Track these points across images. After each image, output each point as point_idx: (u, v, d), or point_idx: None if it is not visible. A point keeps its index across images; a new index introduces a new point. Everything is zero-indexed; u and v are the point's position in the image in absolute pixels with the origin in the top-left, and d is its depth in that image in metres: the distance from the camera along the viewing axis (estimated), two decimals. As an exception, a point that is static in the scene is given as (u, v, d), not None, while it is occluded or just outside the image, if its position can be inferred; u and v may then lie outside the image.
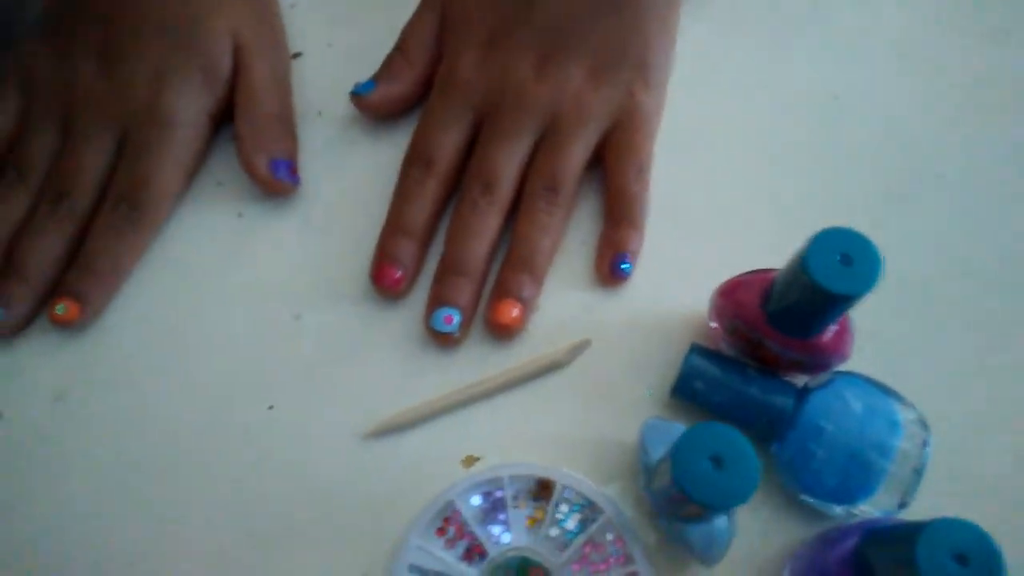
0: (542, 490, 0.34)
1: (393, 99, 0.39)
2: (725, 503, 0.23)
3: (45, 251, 0.37)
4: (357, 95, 0.39)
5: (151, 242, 0.39)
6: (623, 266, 0.37)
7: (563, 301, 0.37)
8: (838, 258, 0.26)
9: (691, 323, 0.36)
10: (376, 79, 0.39)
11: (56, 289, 0.37)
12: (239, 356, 0.37)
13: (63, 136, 0.38)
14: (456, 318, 0.35)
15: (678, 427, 0.31)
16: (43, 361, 0.37)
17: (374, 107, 0.39)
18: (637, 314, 0.37)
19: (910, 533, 0.24)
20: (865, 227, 0.27)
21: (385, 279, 0.36)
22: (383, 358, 0.37)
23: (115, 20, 0.38)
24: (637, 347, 0.36)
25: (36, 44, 0.40)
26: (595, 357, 0.37)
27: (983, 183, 0.39)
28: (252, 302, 0.38)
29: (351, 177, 0.40)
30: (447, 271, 0.36)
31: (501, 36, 0.38)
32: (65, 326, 0.37)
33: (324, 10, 0.44)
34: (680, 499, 0.25)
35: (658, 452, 0.30)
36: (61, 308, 0.36)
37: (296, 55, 0.43)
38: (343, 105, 0.41)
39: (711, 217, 0.38)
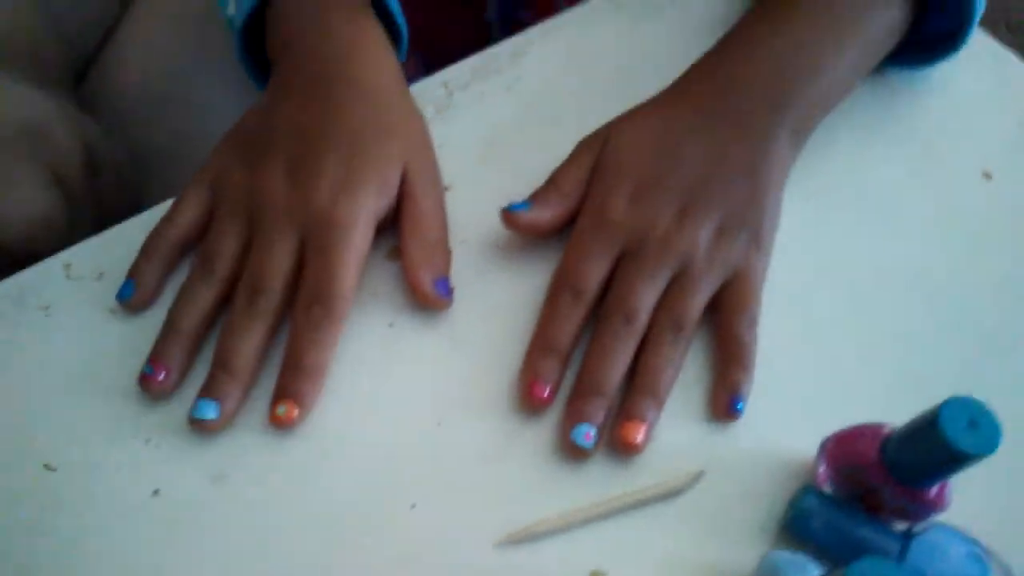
0: (666, 608, 0.37)
1: (542, 223, 0.44)
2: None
3: (247, 347, 0.41)
4: (511, 212, 0.44)
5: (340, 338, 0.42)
6: (738, 406, 0.41)
7: (678, 432, 0.42)
8: (965, 422, 0.31)
9: (795, 464, 0.41)
10: (530, 202, 0.44)
11: (275, 390, 0.41)
12: (384, 454, 0.40)
13: (248, 237, 0.43)
14: (594, 435, 0.39)
15: (806, 560, 0.35)
16: (204, 443, 0.40)
17: (523, 226, 0.44)
18: (745, 451, 0.41)
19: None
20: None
21: (535, 395, 0.40)
22: (515, 467, 0.40)
23: (304, 140, 0.44)
24: (745, 481, 0.40)
25: (228, 154, 0.45)
26: (707, 487, 0.40)
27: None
28: (398, 406, 0.42)
29: (490, 300, 0.45)
30: (588, 392, 0.40)
31: (649, 187, 0.44)
32: (284, 426, 0.40)
33: (470, 152, 0.50)
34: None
35: (792, 581, 0.33)
36: (282, 409, 0.40)
37: (445, 188, 0.48)
38: (484, 236, 0.47)
39: (808, 370, 0.43)
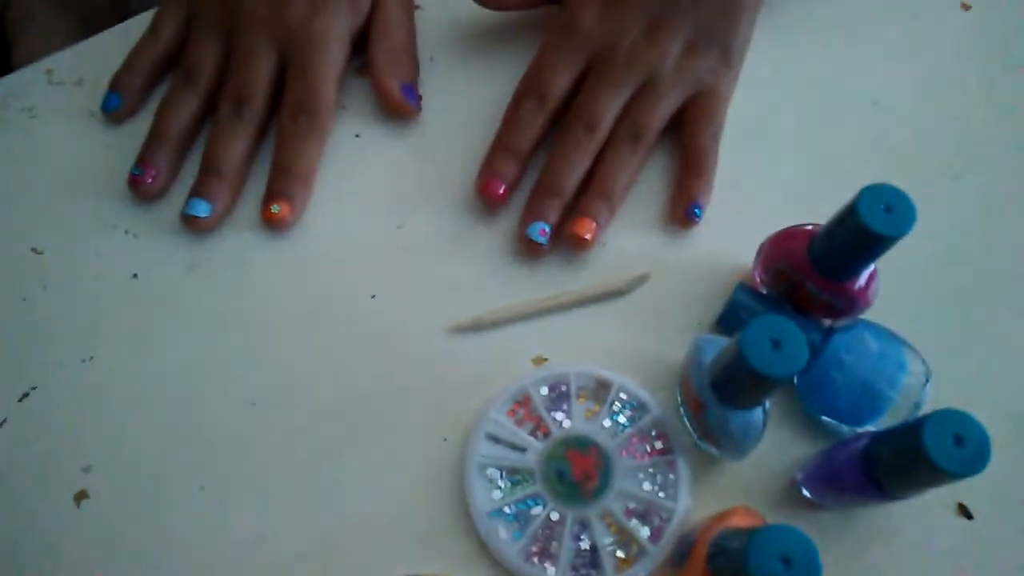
0: (600, 389, 0.40)
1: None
2: (784, 371, 0.29)
3: (236, 152, 0.43)
4: None
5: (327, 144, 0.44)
6: (696, 211, 0.43)
7: (631, 239, 0.44)
8: (882, 206, 0.33)
9: (736, 270, 0.43)
10: None
11: (266, 192, 0.43)
12: (346, 252, 0.43)
13: (226, 48, 0.44)
14: (549, 232, 0.41)
15: (726, 341, 0.37)
16: (179, 236, 0.43)
17: None
18: (691, 258, 0.43)
19: (915, 425, 0.30)
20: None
21: (490, 191, 0.42)
22: (472, 264, 0.43)
23: None
24: (688, 285, 0.43)
25: None
26: (652, 289, 0.43)
27: (994, 187, 0.45)
28: (362, 209, 0.44)
29: (456, 114, 0.46)
30: (546, 192, 0.42)
31: (619, 1, 0.44)
32: (278, 225, 0.43)
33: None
34: (741, 377, 0.31)
35: (709, 356, 0.36)
36: (276, 207, 0.42)
37: (416, 7, 0.49)
38: (453, 53, 0.48)
39: (759, 186, 0.45)
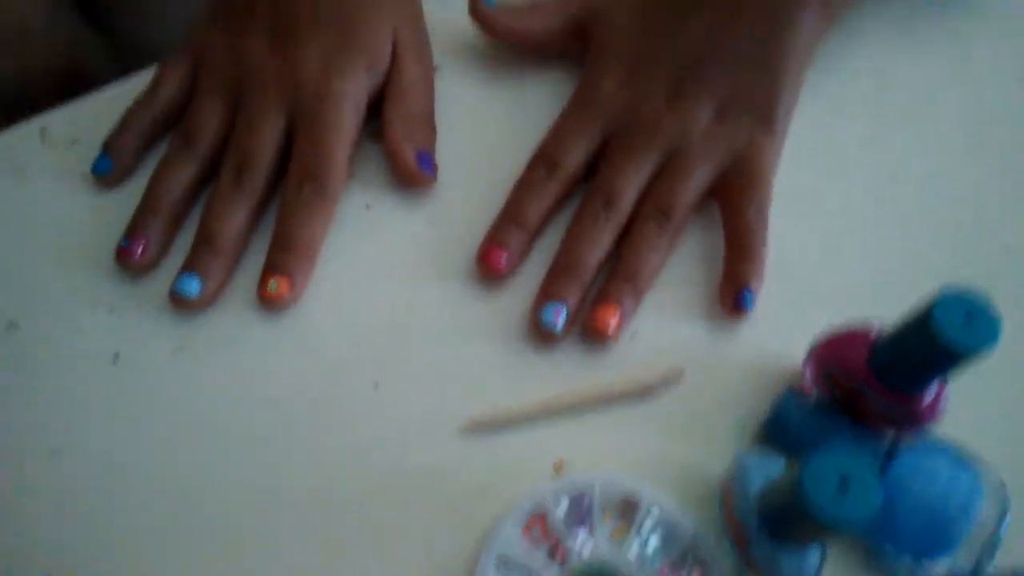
0: (628, 505, 0.35)
1: (497, 23, 0.43)
2: (853, 518, 0.25)
3: (233, 224, 0.39)
4: (478, 2, 0.42)
5: (335, 216, 0.41)
6: (746, 297, 0.38)
7: (664, 331, 0.39)
8: (962, 316, 0.28)
9: (783, 369, 0.38)
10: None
11: (264, 267, 0.39)
12: (350, 334, 0.39)
13: (232, 110, 0.41)
14: (563, 314, 0.37)
15: (777, 460, 0.32)
16: (166, 315, 0.39)
17: (481, 16, 0.43)
18: (732, 353, 0.39)
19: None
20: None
21: (490, 261, 0.38)
22: (484, 352, 0.39)
23: (287, 6, 0.41)
24: (728, 385, 0.38)
25: (209, 25, 0.42)
26: (687, 388, 0.38)
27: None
28: (368, 288, 0.40)
29: (473, 184, 0.42)
30: (561, 271, 0.38)
31: (644, 64, 0.41)
32: (274, 303, 0.38)
33: (462, 33, 0.46)
34: (799, 518, 0.26)
35: (757, 480, 0.31)
36: (272, 285, 0.38)
37: (436, 67, 0.45)
38: (471, 120, 0.44)
39: (809, 273, 0.40)
